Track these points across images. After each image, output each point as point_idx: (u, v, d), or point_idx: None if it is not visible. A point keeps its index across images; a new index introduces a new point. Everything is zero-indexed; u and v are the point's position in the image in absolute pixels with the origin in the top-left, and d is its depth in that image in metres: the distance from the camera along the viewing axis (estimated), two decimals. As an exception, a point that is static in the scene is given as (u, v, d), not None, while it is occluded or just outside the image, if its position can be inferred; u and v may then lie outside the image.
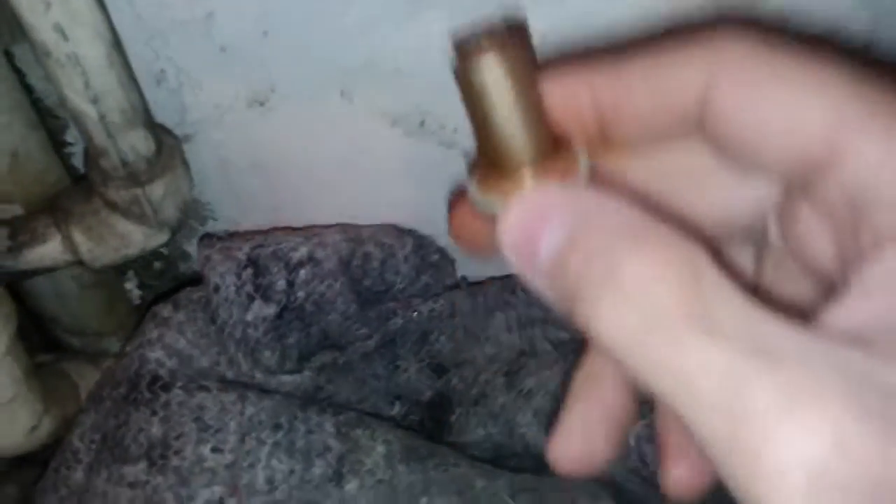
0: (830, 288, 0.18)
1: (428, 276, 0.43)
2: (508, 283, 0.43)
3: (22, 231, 0.36)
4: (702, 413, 0.14)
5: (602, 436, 0.23)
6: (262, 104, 0.42)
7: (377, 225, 0.45)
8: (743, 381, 0.14)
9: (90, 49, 0.29)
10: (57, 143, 0.43)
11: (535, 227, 0.18)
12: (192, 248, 0.51)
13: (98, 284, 0.43)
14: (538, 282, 0.18)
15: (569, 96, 0.20)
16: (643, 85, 0.19)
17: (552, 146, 0.20)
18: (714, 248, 0.21)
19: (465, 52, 0.19)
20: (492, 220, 0.19)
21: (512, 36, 0.19)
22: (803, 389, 0.13)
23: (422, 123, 0.43)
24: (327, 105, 0.42)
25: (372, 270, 0.40)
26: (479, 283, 0.44)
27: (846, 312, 0.15)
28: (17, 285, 0.42)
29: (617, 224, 0.17)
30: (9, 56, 0.37)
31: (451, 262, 0.45)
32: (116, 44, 0.30)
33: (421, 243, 0.44)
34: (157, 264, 0.52)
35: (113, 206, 0.35)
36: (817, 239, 0.18)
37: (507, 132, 0.19)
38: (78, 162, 0.46)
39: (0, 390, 0.33)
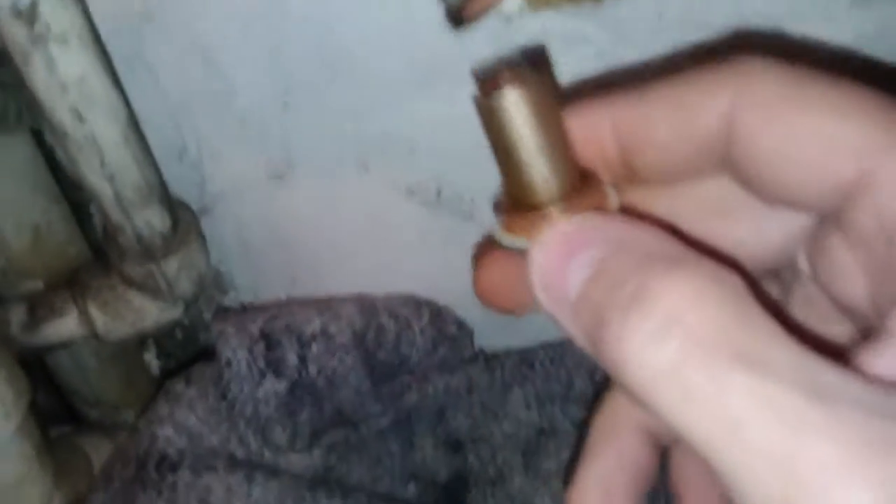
0: (865, 329, 0.17)
1: (445, 349, 0.42)
2: (527, 356, 0.42)
3: (40, 306, 0.36)
4: (749, 464, 0.12)
5: (621, 494, 0.21)
6: (280, 177, 0.42)
7: (394, 296, 0.44)
8: (803, 428, 0.12)
9: (106, 129, 0.29)
10: (82, 214, 0.44)
11: (565, 260, 0.17)
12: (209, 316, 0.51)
13: (117, 356, 0.43)
14: (567, 320, 0.16)
15: (591, 130, 0.19)
16: (665, 114, 0.18)
17: (579, 181, 0.19)
18: (753, 280, 0.19)
19: (487, 86, 0.18)
20: (521, 261, 0.18)
21: (534, 70, 0.19)
22: (871, 442, 0.11)
23: (438, 194, 0.42)
24: (345, 177, 0.42)
25: (387, 343, 0.39)
26: (496, 356, 0.43)
27: (887, 357, 0.14)
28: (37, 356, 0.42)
29: (649, 249, 0.15)
30: (36, 133, 0.38)
31: (470, 333, 0.44)
32: (132, 122, 0.31)
33: (438, 314, 0.43)
34: (178, 334, 0.52)
35: (129, 281, 0.35)
36: (851, 274, 0.17)
37: (532, 168, 0.19)
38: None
39: (10, 470, 0.33)
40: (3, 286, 0.37)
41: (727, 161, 0.18)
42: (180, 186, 0.42)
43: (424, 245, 0.45)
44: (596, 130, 0.19)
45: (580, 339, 0.16)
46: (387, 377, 0.38)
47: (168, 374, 0.53)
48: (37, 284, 0.37)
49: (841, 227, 0.17)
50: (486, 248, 0.21)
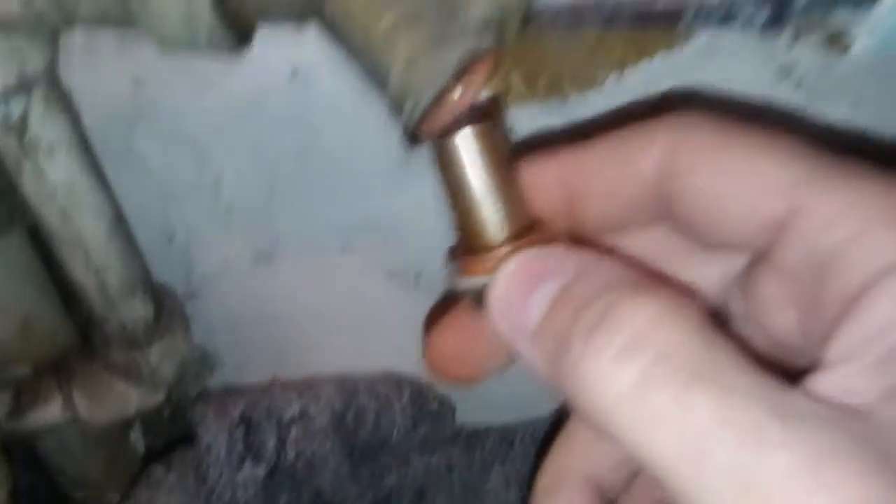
0: (797, 359, 0.17)
1: (426, 427, 0.42)
2: (507, 434, 0.42)
3: (26, 393, 0.37)
4: (712, 480, 0.12)
5: None
6: (266, 260, 0.43)
7: (376, 374, 0.45)
8: (764, 443, 0.12)
9: (91, 228, 0.30)
10: (71, 296, 0.45)
11: (527, 289, 0.17)
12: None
13: (102, 438, 0.44)
14: (528, 349, 0.17)
15: (539, 180, 0.20)
16: (605, 164, 0.19)
17: (530, 227, 0.19)
18: (706, 309, 0.20)
19: (441, 130, 0.19)
20: (471, 325, 0.19)
21: (486, 115, 0.20)
22: (824, 453, 0.12)
23: (417, 277, 0.44)
24: (328, 260, 0.43)
25: (367, 424, 0.40)
26: (477, 433, 0.44)
27: (827, 382, 0.14)
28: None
29: (611, 276, 0.16)
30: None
31: (451, 410, 0.45)
32: (118, 218, 0.33)
33: (420, 391, 0.44)
34: (165, 412, 0.53)
35: (113, 368, 0.36)
36: (782, 309, 0.18)
37: (487, 207, 0.19)
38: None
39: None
40: (-9, 373, 0.38)
41: (665, 208, 0.19)
42: (168, 270, 0.43)
43: (406, 324, 0.46)
44: (543, 181, 0.20)
45: (541, 369, 0.16)
46: (367, 458, 0.39)
47: (155, 452, 0.53)
48: (24, 370, 0.38)
49: (771, 263, 0.17)
50: (435, 315, 0.22)
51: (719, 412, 0.13)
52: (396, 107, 0.20)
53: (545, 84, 0.33)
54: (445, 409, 0.44)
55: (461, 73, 0.19)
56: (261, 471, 0.36)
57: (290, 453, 0.36)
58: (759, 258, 0.18)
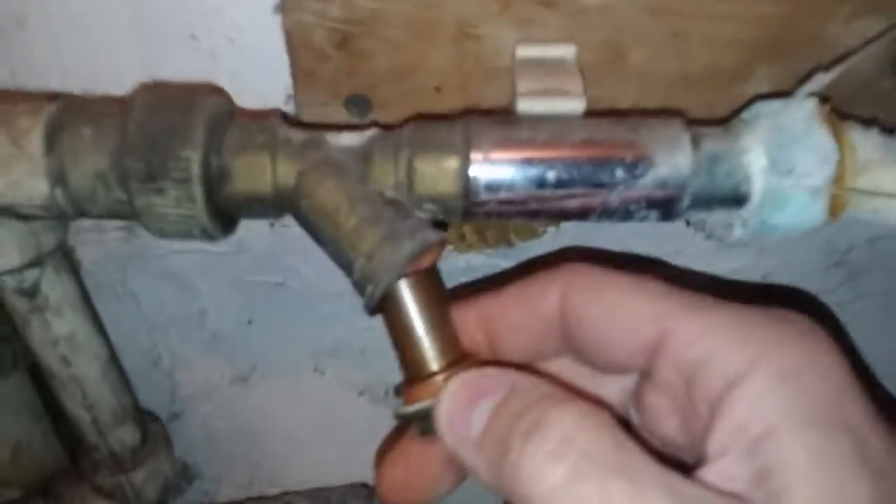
0: (686, 457, 0.21)
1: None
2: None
3: (15, 516, 0.39)
4: None
5: None
6: (244, 381, 0.47)
7: (347, 485, 0.48)
8: None
9: (87, 369, 0.34)
10: (61, 422, 0.48)
11: (469, 403, 0.20)
12: None
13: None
14: (472, 456, 0.20)
15: (463, 321, 0.24)
16: (515, 305, 0.23)
17: (463, 358, 0.23)
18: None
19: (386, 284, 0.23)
20: (419, 452, 0.22)
21: (423, 266, 0.24)
22: None
23: (386, 393, 0.47)
24: (302, 379, 0.47)
25: (338, 538, 0.42)
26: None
27: (711, 474, 0.18)
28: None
29: (542, 389, 0.20)
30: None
31: (419, 520, 0.47)
32: (112, 359, 0.36)
33: (389, 503, 0.46)
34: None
35: (98, 490, 0.39)
36: (666, 415, 0.21)
37: (427, 342, 0.23)
38: (78, 432, 0.50)
39: None
40: (-18, 497, 0.40)
41: (565, 340, 0.23)
42: (154, 392, 0.46)
43: (375, 437, 0.49)
44: (467, 322, 0.24)
45: (483, 472, 0.20)
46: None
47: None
48: (13, 494, 0.41)
49: (653, 380, 0.21)
50: (386, 448, 0.25)
51: (634, 500, 0.16)
52: (360, 289, 0.24)
53: (493, 235, 0.37)
54: (413, 519, 0.47)
55: (411, 262, 0.24)
56: (237, 589, 0.38)
57: (265, 571, 0.39)
58: (643, 377, 0.22)
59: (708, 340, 0.19)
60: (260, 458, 0.51)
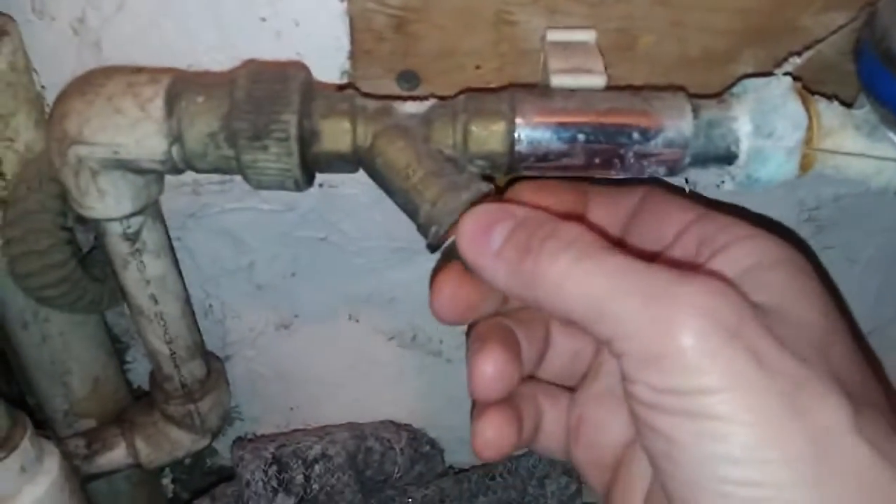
0: None
1: (421, 466, 0.51)
2: (489, 470, 0.51)
3: (95, 441, 0.45)
4: (627, 306, 0.22)
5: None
6: (286, 327, 0.52)
7: (378, 422, 0.54)
8: (661, 290, 0.22)
9: (171, 308, 0.39)
10: (119, 361, 0.53)
11: (487, 224, 0.26)
12: (217, 444, 0.60)
13: (143, 481, 0.52)
14: (492, 265, 0.26)
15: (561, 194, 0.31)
16: (605, 194, 0.33)
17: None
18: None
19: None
20: (467, 274, 0.27)
21: None
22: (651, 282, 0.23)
23: (413, 338, 0.53)
24: (338, 326, 0.52)
25: (374, 463, 0.49)
26: (464, 470, 0.52)
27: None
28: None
29: (548, 216, 0.26)
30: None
31: (441, 451, 0.54)
32: (187, 300, 0.41)
33: (415, 436, 0.53)
34: (188, 459, 0.60)
35: (169, 418, 0.45)
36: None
37: None
38: (134, 376, 0.55)
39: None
40: (63, 426, 0.46)
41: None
42: (205, 338, 0.52)
43: (402, 378, 0.55)
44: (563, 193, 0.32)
45: (503, 276, 0.25)
46: (375, 490, 0.47)
47: (176, 496, 0.60)
48: (90, 423, 0.46)
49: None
50: (436, 272, 0.30)
51: (622, 264, 0.23)
52: (424, 231, 0.30)
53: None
54: (436, 450, 0.53)
55: (469, 208, 0.30)
56: (291, 501, 0.44)
57: (315, 486, 0.45)
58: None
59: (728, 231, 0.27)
60: (297, 400, 0.57)
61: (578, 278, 0.23)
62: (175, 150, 0.31)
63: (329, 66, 0.38)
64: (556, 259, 0.23)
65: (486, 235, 0.26)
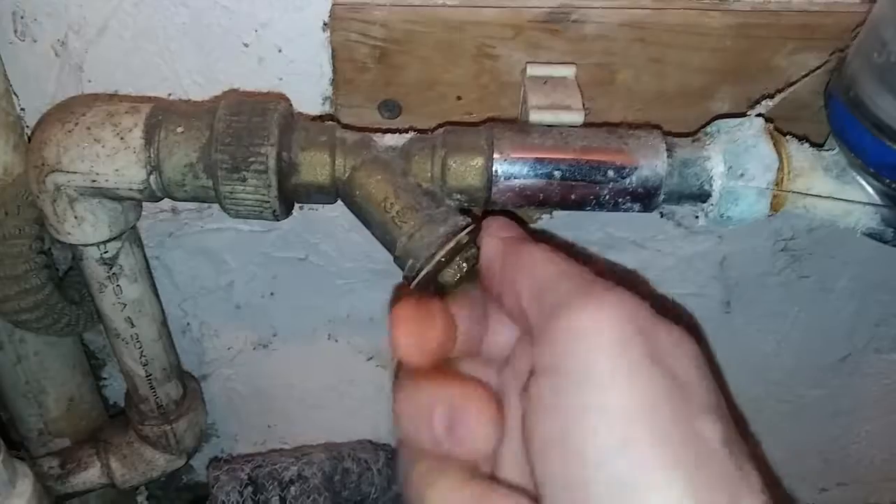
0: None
1: (398, 486, 0.51)
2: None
3: (69, 461, 0.44)
4: None
5: None
6: (265, 346, 0.52)
7: (356, 441, 0.54)
8: None
9: (147, 330, 0.39)
10: (95, 378, 0.53)
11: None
12: (193, 461, 0.60)
13: (117, 501, 0.51)
14: None
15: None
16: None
17: None
18: None
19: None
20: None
21: None
22: None
23: (392, 358, 0.53)
24: (317, 346, 0.52)
25: (350, 483, 0.49)
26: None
27: None
28: None
29: None
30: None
31: (418, 471, 0.54)
32: (164, 322, 0.41)
33: (392, 456, 0.53)
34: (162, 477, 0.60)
35: (144, 439, 0.44)
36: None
37: None
38: (110, 392, 0.55)
39: None
40: (37, 444, 0.45)
41: None
42: (182, 357, 0.52)
43: (381, 398, 0.55)
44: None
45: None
46: (351, 512, 0.48)
47: (153, 512, 0.60)
48: (65, 442, 0.46)
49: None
50: (398, 299, 0.29)
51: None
52: (401, 264, 0.30)
53: (496, 221, 0.44)
54: (413, 470, 0.53)
55: (445, 242, 0.30)
56: (267, 523, 0.44)
57: (291, 508, 0.45)
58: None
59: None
60: (274, 419, 0.57)
61: None
62: (153, 179, 0.31)
63: (311, 92, 0.39)
64: None
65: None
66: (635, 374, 0.21)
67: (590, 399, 0.21)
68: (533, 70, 0.34)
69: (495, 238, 0.28)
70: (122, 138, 0.30)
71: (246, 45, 0.37)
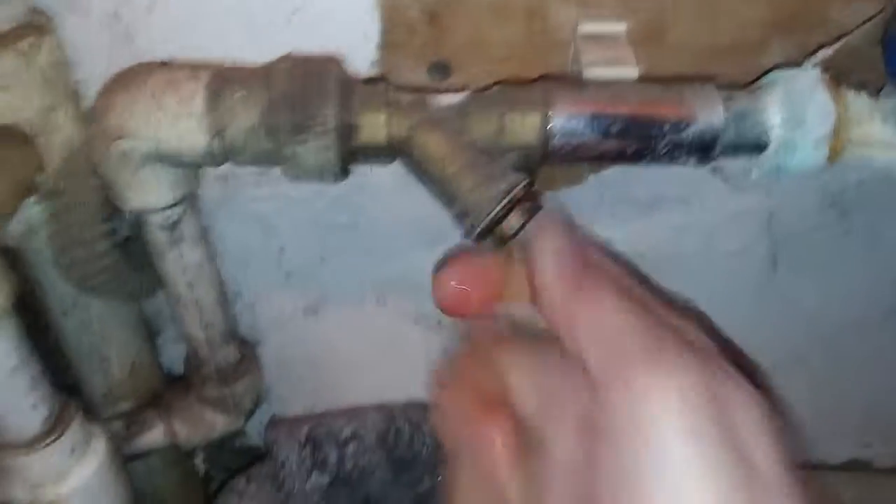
0: None
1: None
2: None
3: (134, 423, 0.46)
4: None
5: None
6: (315, 312, 0.54)
7: (406, 402, 0.55)
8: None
9: (207, 295, 0.40)
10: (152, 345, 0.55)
11: None
12: (247, 425, 0.61)
13: (177, 461, 0.53)
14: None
15: None
16: None
17: None
18: None
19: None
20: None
21: None
22: None
23: (439, 322, 0.54)
24: (366, 310, 0.53)
25: (403, 442, 0.50)
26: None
27: None
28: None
29: None
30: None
31: (466, 431, 0.55)
32: (223, 287, 0.43)
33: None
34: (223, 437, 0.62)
35: (205, 401, 0.46)
36: None
37: None
38: (164, 360, 0.57)
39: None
40: (102, 408, 0.47)
41: None
42: (238, 324, 0.53)
43: (429, 360, 0.57)
44: None
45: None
46: (405, 468, 0.49)
47: (207, 474, 0.62)
48: (128, 405, 0.48)
49: None
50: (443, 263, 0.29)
51: None
52: (460, 220, 0.31)
53: (542, 180, 0.44)
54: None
55: (503, 196, 0.30)
56: (325, 479, 0.45)
57: (348, 465, 0.46)
58: None
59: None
60: (323, 382, 0.58)
61: None
62: (216, 143, 0.31)
63: (358, 58, 0.39)
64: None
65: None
66: (710, 463, 0.19)
67: (661, 484, 0.19)
68: (584, 28, 0.34)
69: (552, 257, 0.24)
70: (184, 104, 0.31)
71: (293, 13, 0.38)
